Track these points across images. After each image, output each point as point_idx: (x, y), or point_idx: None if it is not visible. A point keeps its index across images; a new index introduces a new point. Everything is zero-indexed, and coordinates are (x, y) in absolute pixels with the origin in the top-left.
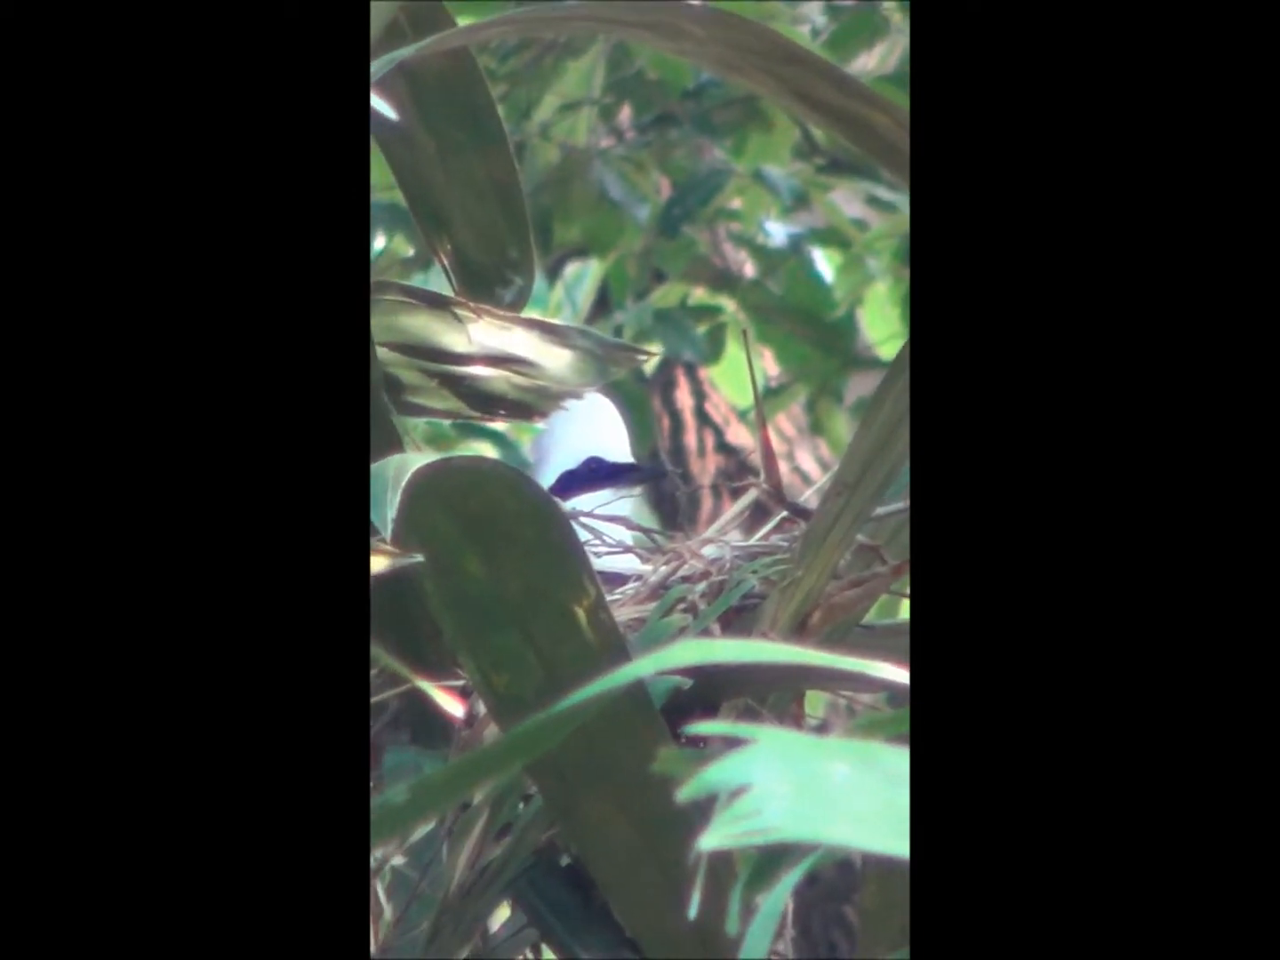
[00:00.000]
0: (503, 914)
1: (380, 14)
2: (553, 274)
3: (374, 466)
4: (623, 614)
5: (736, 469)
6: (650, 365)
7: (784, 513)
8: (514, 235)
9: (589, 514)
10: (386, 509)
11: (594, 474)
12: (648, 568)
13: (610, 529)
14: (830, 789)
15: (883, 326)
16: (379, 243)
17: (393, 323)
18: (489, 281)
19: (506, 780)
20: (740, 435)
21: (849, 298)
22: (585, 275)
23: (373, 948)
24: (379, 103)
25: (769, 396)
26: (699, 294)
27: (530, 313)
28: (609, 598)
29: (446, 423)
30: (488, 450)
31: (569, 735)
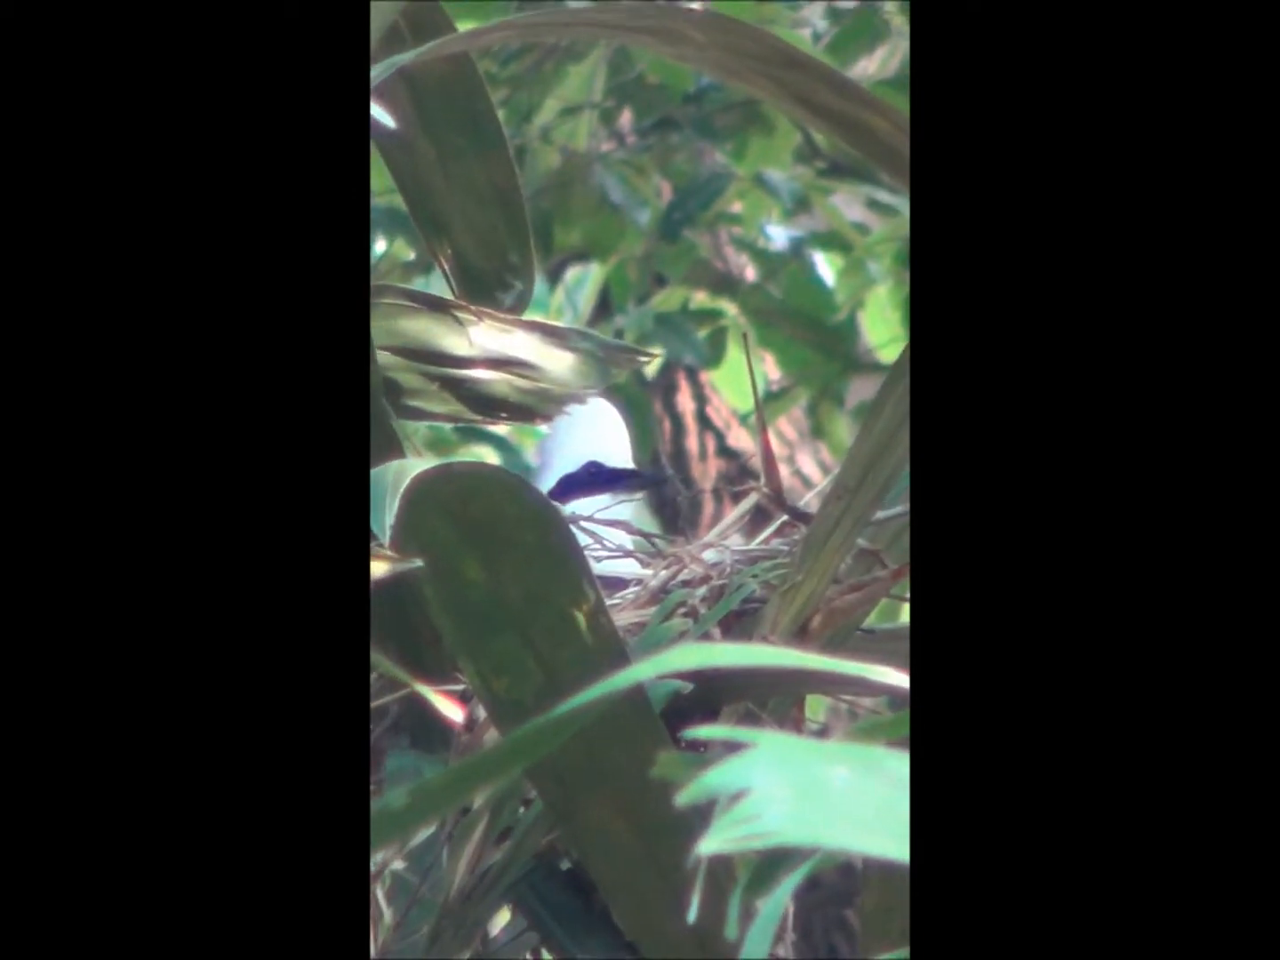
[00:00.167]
0: (503, 918)
1: (380, 18)
2: (553, 278)
3: (373, 472)
4: (623, 618)
5: (738, 473)
6: (652, 369)
7: (785, 517)
8: (514, 240)
9: (589, 518)
10: (386, 514)
11: (593, 478)
12: (648, 572)
13: (610, 533)
14: (830, 793)
15: (884, 330)
16: (379, 247)
17: (393, 326)
18: (489, 286)
19: (506, 784)
20: (741, 439)
21: (850, 301)
22: (586, 279)
23: (373, 952)
24: (378, 111)
25: (770, 400)
26: (700, 298)
27: (531, 316)
28: (609, 602)
29: (447, 426)
30: (489, 454)
31: (569, 739)
